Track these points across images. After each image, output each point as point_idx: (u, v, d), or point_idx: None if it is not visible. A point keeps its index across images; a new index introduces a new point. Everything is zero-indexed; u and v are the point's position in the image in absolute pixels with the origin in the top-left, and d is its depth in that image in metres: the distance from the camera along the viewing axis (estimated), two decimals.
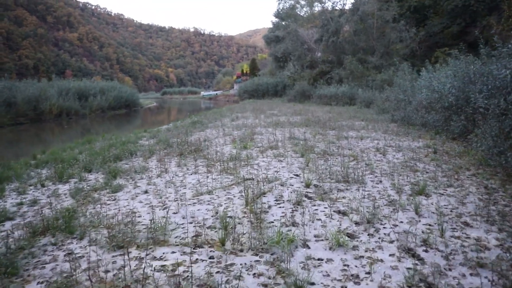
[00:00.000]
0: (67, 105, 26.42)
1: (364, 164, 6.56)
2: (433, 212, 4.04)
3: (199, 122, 14.19)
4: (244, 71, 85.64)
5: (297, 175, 5.79)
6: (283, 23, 53.08)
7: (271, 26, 57.30)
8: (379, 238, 3.41)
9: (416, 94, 12.97)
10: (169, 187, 5.28)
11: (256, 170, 6.19)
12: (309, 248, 3.22)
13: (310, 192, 4.84)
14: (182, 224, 3.81)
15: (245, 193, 4.53)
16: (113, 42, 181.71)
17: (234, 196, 4.74)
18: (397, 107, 15.09)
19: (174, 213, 4.19)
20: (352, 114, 17.64)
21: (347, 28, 35.85)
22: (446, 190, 4.92)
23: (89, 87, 33.39)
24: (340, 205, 4.32)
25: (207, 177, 5.79)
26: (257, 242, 3.27)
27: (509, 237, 3.40)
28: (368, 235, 3.47)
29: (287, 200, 4.51)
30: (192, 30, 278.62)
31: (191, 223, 3.84)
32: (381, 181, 5.40)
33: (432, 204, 4.36)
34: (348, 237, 3.43)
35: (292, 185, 5.20)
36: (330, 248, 3.20)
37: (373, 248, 3.20)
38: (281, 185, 5.21)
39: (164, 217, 3.94)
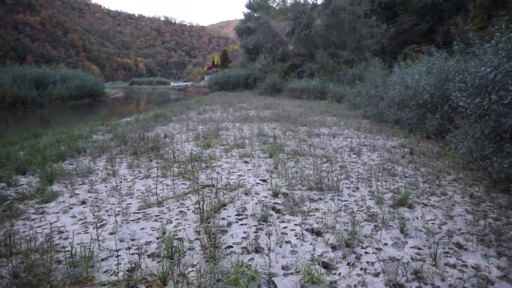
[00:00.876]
0: (22, 94, 24.70)
1: (338, 166, 5.97)
2: (420, 230, 3.47)
3: (162, 115, 13.28)
4: (215, 63, 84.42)
5: (264, 181, 5.12)
6: (255, 14, 52.27)
7: (243, 17, 56.30)
8: (361, 269, 2.79)
9: (389, 90, 12.57)
10: (112, 196, 4.48)
11: (218, 173, 5.47)
12: (275, 287, 2.55)
13: (278, 204, 4.18)
14: (118, 250, 3.06)
15: (200, 206, 3.81)
16: (78, 28, 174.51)
17: (189, 209, 4.01)
18: (369, 103, 14.71)
19: (111, 233, 3.41)
20: (323, 109, 17.17)
21: (319, 22, 35.47)
22: (430, 200, 4.38)
23: (49, 74, 31.45)
24: (313, 221, 3.68)
25: (160, 182, 5.03)
26: (208, 281, 2.57)
27: (511, 265, 2.86)
28: (348, 264, 2.85)
29: (251, 215, 3.83)
30: (162, 19, 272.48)
31: (129, 248, 3.09)
32: (358, 188, 4.81)
33: (418, 218, 3.79)
34: (324, 268, 2.79)
35: (258, 194, 4.53)
36: (302, 287, 2.54)
37: (355, 286, 2.57)
38: (245, 194, 4.52)
39: (97, 239, 3.18)
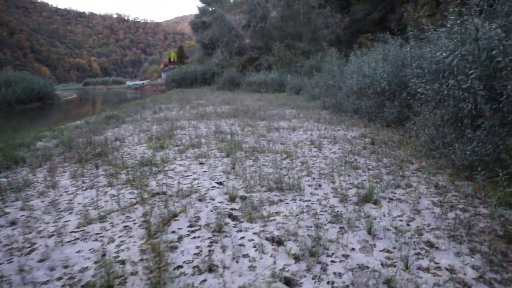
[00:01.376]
0: None
1: (299, 162, 5.68)
2: (389, 229, 3.22)
3: (115, 116, 12.54)
4: (172, 59, 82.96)
5: (220, 184, 4.73)
6: (210, 8, 51.46)
7: (197, 12, 55.26)
8: (328, 282, 2.47)
9: (346, 79, 12.49)
10: (49, 213, 3.94)
11: (170, 178, 5.03)
12: None
13: (235, 209, 3.81)
14: (46, 282, 2.58)
15: (148, 218, 3.38)
16: (25, 28, 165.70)
17: (135, 223, 3.56)
18: (327, 93, 14.62)
19: (41, 260, 2.92)
20: (282, 101, 16.95)
21: (274, 14, 35.29)
22: (395, 193, 4.16)
23: None
24: (273, 228, 3.34)
25: (105, 193, 4.53)
26: None
27: (486, 263, 2.64)
28: (314, 278, 2.52)
29: (205, 225, 3.44)
30: (115, 16, 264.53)
31: (60, 279, 2.62)
32: (320, 185, 4.53)
33: (385, 215, 3.55)
34: (287, 284, 2.46)
35: (214, 199, 4.14)
36: None
37: None
38: (200, 200, 4.12)
39: (20, 270, 2.69)
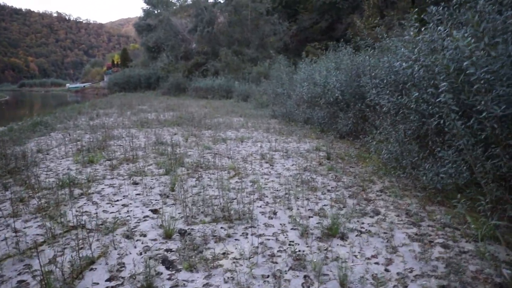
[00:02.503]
0: None
1: (249, 182, 4.95)
2: (366, 279, 2.56)
3: (43, 123, 11.08)
4: (115, 62, 79.67)
5: (155, 212, 3.87)
6: (155, 11, 49.75)
7: (142, 14, 53.21)
8: None
9: (296, 87, 12.01)
10: None
11: (94, 205, 4.09)
12: None
13: (171, 251, 2.99)
14: None
15: (54, 269, 2.47)
16: None
17: (35, 276, 2.61)
18: (276, 101, 14.11)
19: None
20: (229, 108, 16.23)
21: (221, 19, 34.69)
22: (363, 224, 3.55)
23: None
24: (220, 279, 2.57)
25: (7, 226, 3.51)
26: None
27: None
28: None
29: (130, 277, 2.58)
30: (55, 14, 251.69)
31: None
32: (275, 213, 3.82)
33: (356, 256, 2.90)
34: None
35: (145, 236, 3.28)
36: None
37: None
38: (127, 238, 3.24)
39: None
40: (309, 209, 3.92)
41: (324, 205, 4.06)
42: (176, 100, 23.59)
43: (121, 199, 4.29)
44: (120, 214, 3.81)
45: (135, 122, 11.51)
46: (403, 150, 4.80)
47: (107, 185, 4.86)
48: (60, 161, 6.29)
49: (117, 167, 5.79)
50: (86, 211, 3.87)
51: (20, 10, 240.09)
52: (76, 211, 3.85)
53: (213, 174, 5.32)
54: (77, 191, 4.56)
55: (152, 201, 4.21)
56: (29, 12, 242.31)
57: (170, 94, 30.22)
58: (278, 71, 15.76)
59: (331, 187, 4.71)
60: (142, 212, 3.86)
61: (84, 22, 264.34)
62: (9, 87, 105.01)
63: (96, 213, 3.80)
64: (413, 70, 4.81)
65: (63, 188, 4.66)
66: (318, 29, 29.77)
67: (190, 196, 4.29)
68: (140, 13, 53.74)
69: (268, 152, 6.90)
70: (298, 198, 4.27)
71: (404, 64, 5.18)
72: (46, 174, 5.42)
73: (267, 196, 4.35)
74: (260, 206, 4.02)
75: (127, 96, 31.56)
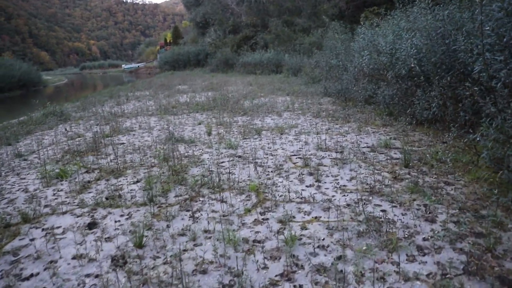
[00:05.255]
0: None
1: (275, 222, 2.93)
2: None
3: (57, 112, 9.54)
4: (168, 41, 79.75)
5: None
6: None
7: None
8: None
9: (354, 58, 9.60)
10: None
11: (3, 279, 2.31)
12: None
13: None
14: None
15: None
16: (23, 13, 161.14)
17: None
18: (330, 75, 11.75)
19: None
20: (276, 85, 14.07)
21: None
22: None
23: None
24: None
25: None
26: None
27: None
28: None
29: None
30: None
31: None
32: None
33: None
34: None
35: None
36: None
37: None
38: None
39: None
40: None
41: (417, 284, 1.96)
42: (222, 77, 21.83)
43: (56, 260, 2.47)
44: None
45: (162, 107, 9.79)
46: None
47: (49, 227, 3.06)
48: (25, 176, 4.59)
49: (89, 186, 3.99)
50: None
51: None
52: None
53: (222, 201, 3.36)
54: (7, 233, 2.82)
55: (103, 266, 2.34)
56: None
57: (218, 71, 28.52)
58: (332, 40, 13.28)
59: (423, 238, 2.56)
60: None
61: (140, 3, 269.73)
62: (72, 71, 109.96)
63: None
64: None
65: None
66: None
67: (163, 264, 2.37)
68: None
69: (314, 153, 4.80)
70: (362, 274, 2.19)
71: None
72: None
73: (302, 266, 2.31)
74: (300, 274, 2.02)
75: (174, 74, 30.40)
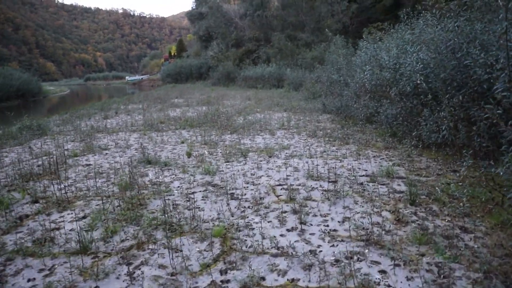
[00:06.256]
0: None
1: (240, 282, 2.20)
2: None
3: (34, 126, 8.73)
4: (172, 53, 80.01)
5: None
6: None
7: (194, 2, 51.69)
8: None
9: (355, 73, 8.94)
10: None
11: None
12: None
13: None
14: None
15: None
16: (31, 24, 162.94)
17: None
18: (331, 91, 11.09)
19: None
20: (275, 100, 13.42)
21: (274, 2, 31.76)
22: None
23: None
24: None
25: None
26: None
27: None
28: None
29: None
30: (120, 11, 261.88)
31: None
32: None
33: None
34: None
35: None
36: None
37: None
38: None
39: None
40: None
41: None
42: (221, 91, 21.24)
43: None
44: None
45: (147, 122, 9.11)
46: None
47: None
48: None
49: (22, 223, 3.27)
50: None
51: (90, 8, 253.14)
52: None
53: (176, 250, 2.63)
54: None
55: None
56: (97, 10, 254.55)
57: (220, 84, 27.95)
58: (334, 54, 12.66)
59: None
60: None
61: (147, 16, 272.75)
62: (76, 81, 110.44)
63: None
64: None
65: None
66: (381, 8, 25.89)
67: None
68: (192, 1, 52.13)
69: (304, 182, 4.09)
70: None
71: None
72: None
73: None
74: None
75: (175, 87, 29.87)
